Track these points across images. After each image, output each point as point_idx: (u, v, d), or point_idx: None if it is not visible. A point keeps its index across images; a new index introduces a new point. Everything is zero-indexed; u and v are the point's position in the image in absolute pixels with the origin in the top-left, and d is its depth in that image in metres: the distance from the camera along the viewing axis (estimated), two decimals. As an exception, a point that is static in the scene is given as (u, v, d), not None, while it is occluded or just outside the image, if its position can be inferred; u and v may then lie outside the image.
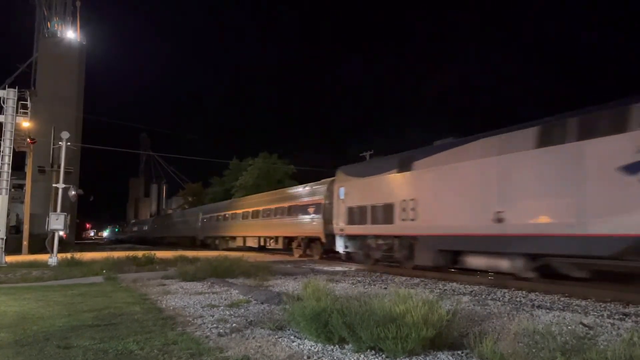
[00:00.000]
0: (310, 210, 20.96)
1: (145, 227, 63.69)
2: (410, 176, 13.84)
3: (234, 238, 30.76)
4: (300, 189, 23.82)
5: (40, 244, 22.06)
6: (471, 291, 9.47)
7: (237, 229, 30.31)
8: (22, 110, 20.27)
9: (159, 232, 52.83)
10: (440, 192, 12.58)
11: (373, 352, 4.45)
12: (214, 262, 12.20)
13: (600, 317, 6.52)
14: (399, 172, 14.32)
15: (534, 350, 3.85)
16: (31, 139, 23.98)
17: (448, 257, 12.42)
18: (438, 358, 4.34)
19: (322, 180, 21.72)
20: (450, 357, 4.35)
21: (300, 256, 21.55)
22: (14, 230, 28.61)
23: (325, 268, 15.48)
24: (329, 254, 19.75)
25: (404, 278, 11.99)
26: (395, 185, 14.42)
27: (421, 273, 12.77)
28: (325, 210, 19.54)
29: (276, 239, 24.65)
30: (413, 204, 13.37)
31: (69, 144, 18.17)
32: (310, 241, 21.23)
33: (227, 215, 32.58)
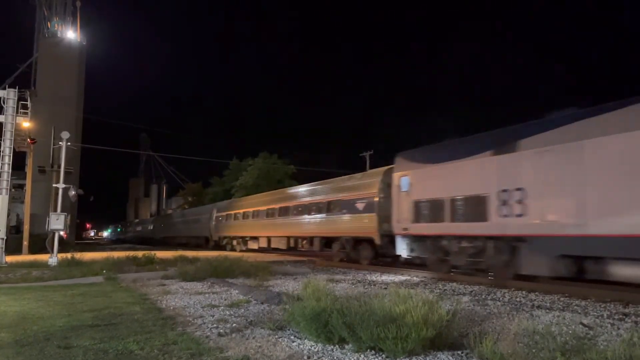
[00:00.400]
0: (359, 205, 17.49)
1: (150, 227, 60.93)
2: (514, 159, 10.82)
3: (255, 238, 26.94)
4: (344, 181, 20.20)
5: (40, 244, 22.07)
6: (471, 291, 9.48)
7: (261, 228, 26.21)
8: (22, 110, 20.37)
9: (165, 231, 49.99)
10: (568, 178, 9.62)
11: (373, 352, 4.45)
12: (214, 262, 12.21)
13: (600, 317, 6.54)
14: (495, 154, 11.34)
15: (534, 351, 3.84)
16: (31, 139, 24.02)
17: (574, 265, 9.64)
18: (438, 358, 4.34)
19: (373, 170, 18.86)
20: (450, 357, 4.35)
21: (342, 260, 18.09)
22: (14, 230, 28.62)
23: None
24: (379, 258, 16.93)
25: (404, 278, 12.01)
26: (489, 171, 11.37)
27: (421, 273, 12.76)
28: (379, 206, 16.23)
29: (310, 239, 21.12)
30: (520, 195, 10.49)
31: (69, 144, 18.20)
32: (357, 242, 17.82)
33: (247, 213, 28.42)
